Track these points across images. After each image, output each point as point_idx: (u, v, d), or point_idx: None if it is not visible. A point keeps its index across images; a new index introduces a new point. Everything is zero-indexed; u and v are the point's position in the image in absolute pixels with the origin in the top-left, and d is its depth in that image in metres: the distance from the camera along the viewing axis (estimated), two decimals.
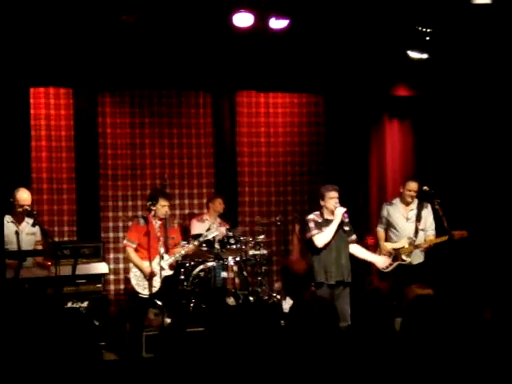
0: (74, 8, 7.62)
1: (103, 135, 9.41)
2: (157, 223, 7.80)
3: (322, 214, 7.49)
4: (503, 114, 9.46)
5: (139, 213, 9.05)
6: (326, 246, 7.37)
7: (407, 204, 8.36)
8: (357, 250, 7.72)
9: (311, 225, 7.44)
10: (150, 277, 7.58)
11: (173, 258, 7.70)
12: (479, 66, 9.28)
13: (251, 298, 8.61)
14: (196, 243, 8.02)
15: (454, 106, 9.88)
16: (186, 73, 9.20)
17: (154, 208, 7.72)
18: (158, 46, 8.68)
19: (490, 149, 9.63)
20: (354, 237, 7.65)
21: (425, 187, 8.31)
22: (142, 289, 7.64)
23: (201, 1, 7.87)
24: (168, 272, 7.67)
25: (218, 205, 9.31)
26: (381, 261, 7.88)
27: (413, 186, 8.34)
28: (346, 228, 7.52)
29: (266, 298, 8.78)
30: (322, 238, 7.35)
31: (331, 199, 7.40)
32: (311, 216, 7.53)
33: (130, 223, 8.52)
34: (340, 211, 7.36)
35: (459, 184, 9.74)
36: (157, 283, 7.61)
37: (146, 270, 7.58)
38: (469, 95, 9.68)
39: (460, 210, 9.19)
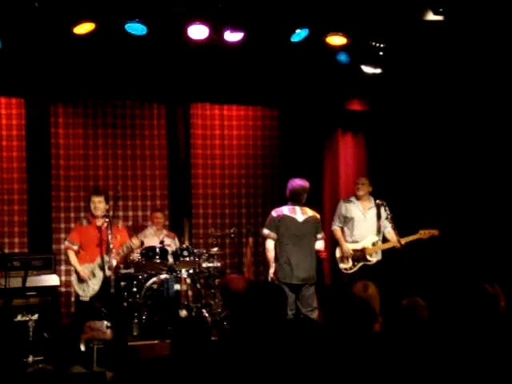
0: (26, 18, 7.53)
1: (56, 146, 9.31)
2: (100, 224, 7.80)
3: None
4: (453, 127, 9.60)
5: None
6: None
7: (359, 198, 8.58)
8: None
9: None
10: (83, 280, 7.64)
11: (114, 262, 7.71)
12: (430, 82, 9.41)
13: (204, 311, 8.58)
14: (137, 241, 8.06)
15: (407, 121, 10.00)
16: (141, 84, 9.17)
17: (91, 208, 7.81)
18: (111, 56, 8.63)
19: (441, 162, 9.75)
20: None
21: (377, 200, 8.48)
22: (82, 291, 7.64)
23: (156, 12, 7.86)
24: (108, 273, 7.67)
25: (154, 219, 9.23)
26: None
27: (361, 179, 9.00)
28: None
29: (219, 310, 8.75)
30: None
31: None
32: None
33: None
34: None
35: (411, 196, 9.84)
36: (97, 286, 7.60)
37: (82, 273, 7.62)
38: (421, 110, 9.81)
39: (413, 223, 9.28)
